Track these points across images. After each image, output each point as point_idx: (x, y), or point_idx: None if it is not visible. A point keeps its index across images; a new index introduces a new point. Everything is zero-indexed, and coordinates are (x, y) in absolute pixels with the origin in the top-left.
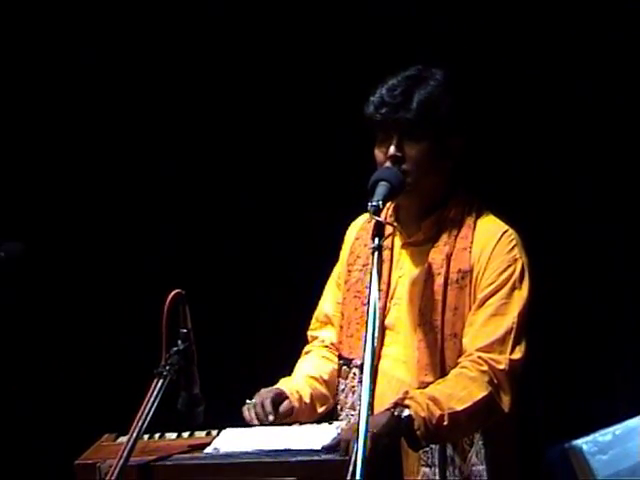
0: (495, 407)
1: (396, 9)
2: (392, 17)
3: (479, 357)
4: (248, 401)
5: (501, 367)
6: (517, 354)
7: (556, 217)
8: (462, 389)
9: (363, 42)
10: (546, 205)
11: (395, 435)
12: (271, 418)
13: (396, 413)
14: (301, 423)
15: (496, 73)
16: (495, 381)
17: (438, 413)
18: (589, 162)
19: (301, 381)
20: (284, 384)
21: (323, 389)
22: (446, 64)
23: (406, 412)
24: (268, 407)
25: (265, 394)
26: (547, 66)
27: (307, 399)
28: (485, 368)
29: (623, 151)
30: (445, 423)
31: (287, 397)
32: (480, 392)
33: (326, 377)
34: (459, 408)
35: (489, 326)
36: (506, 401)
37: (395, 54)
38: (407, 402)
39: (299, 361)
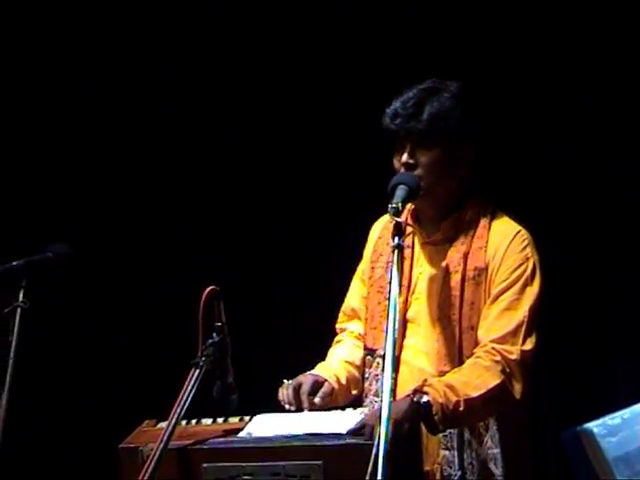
0: (507, 394)
1: (411, 21)
2: (409, 28)
3: (493, 348)
4: (285, 381)
5: (513, 357)
6: (528, 345)
7: (565, 216)
8: (477, 377)
9: (382, 53)
10: (556, 205)
11: (415, 420)
12: (305, 404)
13: (415, 399)
14: (328, 409)
15: (508, 78)
16: (508, 370)
17: (454, 399)
18: (600, 163)
19: (337, 364)
20: (321, 368)
21: (356, 373)
22: (461, 72)
23: (425, 398)
24: (305, 402)
25: (304, 384)
26: (561, 69)
27: (344, 381)
28: (498, 358)
29: (634, 154)
30: (461, 409)
31: (325, 381)
32: (494, 380)
33: (358, 363)
34: (474, 395)
35: (502, 319)
36: (518, 389)
37: (412, 63)
38: (426, 389)
39: (331, 349)
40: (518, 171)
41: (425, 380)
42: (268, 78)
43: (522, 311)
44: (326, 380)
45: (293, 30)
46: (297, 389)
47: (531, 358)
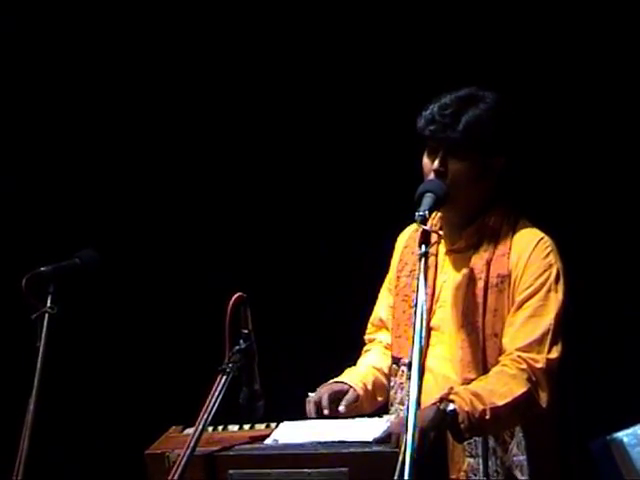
0: (534, 403)
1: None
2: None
3: (518, 356)
4: (310, 394)
5: (539, 366)
6: (554, 353)
7: (587, 222)
8: (503, 386)
9: (413, 61)
10: (581, 213)
11: (441, 428)
12: (325, 412)
13: (442, 407)
14: (354, 417)
15: (536, 88)
16: (534, 379)
17: (480, 408)
18: (628, 172)
19: (365, 370)
20: (349, 373)
21: (384, 379)
22: (496, 86)
23: (451, 407)
24: (324, 402)
25: (324, 390)
26: (590, 80)
27: (370, 387)
28: (524, 366)
29: None
30: (487, 417)
31: (350, 388)
32: (520, 388)
33: (386, 370)
34: (500, 403)
35: (527, 327)
36: (544, 397)
37: (430, 73)
38: (452, 397)
39: (361, 357)
40: (542, 178)
41: (451, 388)
42: (291, 91)
43: (548, 319)
44: (351, 387)
45: (311, 31)
46: (318, 403)
47: (557, 366)
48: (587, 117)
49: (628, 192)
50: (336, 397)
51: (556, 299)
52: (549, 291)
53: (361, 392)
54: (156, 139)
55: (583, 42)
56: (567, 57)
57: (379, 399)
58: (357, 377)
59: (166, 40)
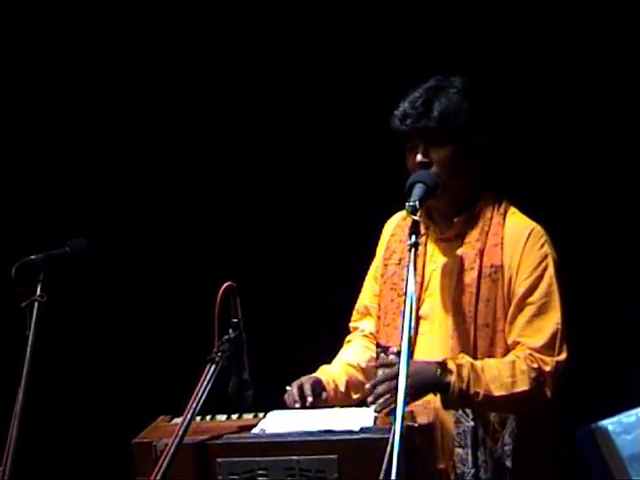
0: (532, 401)
1: (414, 18)
2: (412, 25)
3: (531, 354)
4: (288, 387)
5: (548, 369)
6: (562, 355)
7: (579, 210)
8: (508, 376)
9: (387, 52)
10: (569, 198)
11: (431, 391)
12: (310, 400)
13: (438, 374)
14: (342, 406)
15: (520, 69)
16: (541, 379)
17: (473, 390)
18: (615, 155)
19: (339, 369)
20: (323, 372)
21: (360, 376)
22: (467, 67)
23: (447, 378)
24: (307, 391)
25: (305, 380)
26: (576, 59)
27: (342, 387)
28: (535, 366)
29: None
30: (478, 399)
31: (324, 387)
32: (522, 386)
33: (363, 365)
34: (496, 394)
35: (535, 325)
36: (548, 393)
37: (417, 61)
38: (450, 367)
39: (341, 350)
40: (529, 164)
41: (459, 357)
42: (281, 84)
43: (555, 317)
44: (324, 387)
45: (298, 31)
46: (300, 388)
47: (564, 367)
48: (573, 104)
49: (617, 179)
50: (316, 387)
51: (558, 291)
52: (550, 284)
53: (331, 393)
54: (146, 128)
55: (567, 24)
56: (553, 39)
57: (354, 397)
58: (330, 377)
59: (161, 35)
